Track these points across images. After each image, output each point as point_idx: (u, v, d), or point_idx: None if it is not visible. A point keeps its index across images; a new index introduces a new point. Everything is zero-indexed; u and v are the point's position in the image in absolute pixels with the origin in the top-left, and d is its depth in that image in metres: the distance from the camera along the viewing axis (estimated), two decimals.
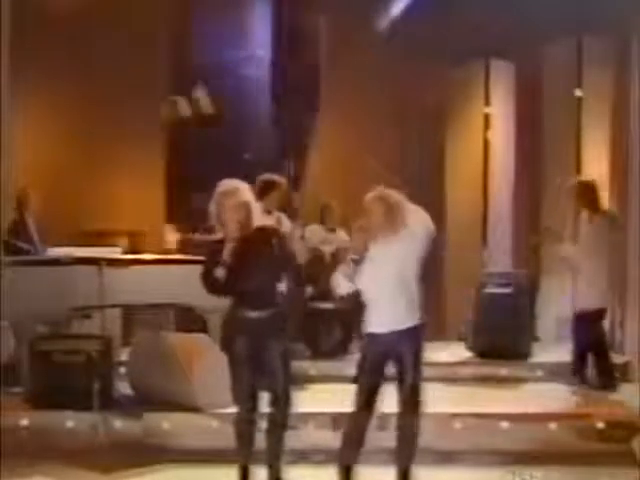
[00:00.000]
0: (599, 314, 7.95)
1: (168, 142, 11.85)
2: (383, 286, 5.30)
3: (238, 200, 5.32)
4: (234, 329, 5.41)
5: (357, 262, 5.36)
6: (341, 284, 5.53)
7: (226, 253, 5.27)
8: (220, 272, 5.26)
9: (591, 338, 7.89)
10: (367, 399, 5.36)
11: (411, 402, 5.31)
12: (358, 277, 5.37)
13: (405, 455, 5.35)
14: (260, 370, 5.35)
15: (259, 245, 5.35)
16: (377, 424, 5.99)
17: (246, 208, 5.35)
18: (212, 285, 5.34)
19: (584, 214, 8.01)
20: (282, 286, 5.51)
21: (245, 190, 5.39)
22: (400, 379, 5.31)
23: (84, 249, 7.64)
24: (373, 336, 5.39)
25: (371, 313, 5.39)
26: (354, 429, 5.40)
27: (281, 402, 5.36)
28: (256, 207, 5.44)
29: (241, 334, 5.35)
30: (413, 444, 5.34)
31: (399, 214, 5.30)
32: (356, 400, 5.37)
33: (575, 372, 8.03)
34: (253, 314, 5.34)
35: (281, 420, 5.40)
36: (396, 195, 5.36)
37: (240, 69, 12.58)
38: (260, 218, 5.54)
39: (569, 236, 8.13)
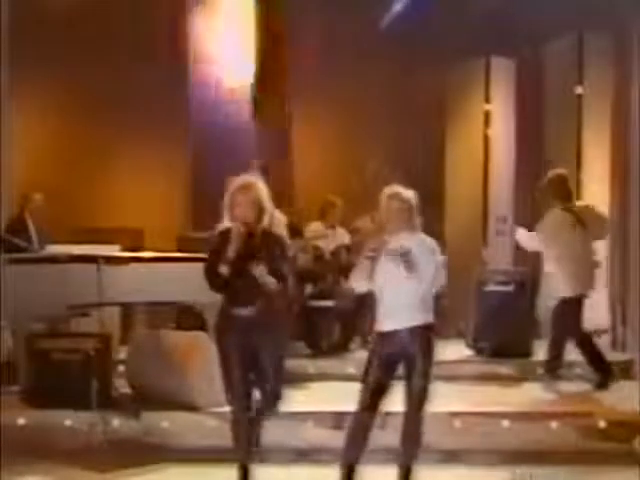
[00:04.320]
0: (576, 302, 8.01)
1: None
2: (394, 283, 5.25)
3: (253, 196, 5.29)
4: (225, 326, 5.38)
5: (373, 259, 5.29)
6: (358, 282, 5.44)
7: (231, 249, 5.23)
8: (224, 268, 5.22)
9: (563, 327, 8.00)
10: (373, 399, 5.32)
11: (418, 402, 5.27)
12: (373, 275, 5.30)
13: (408, 454, 5.33)
14: (251, 368, 5.32)
15: (261, 245, 5.31)
16: (377, 423, 5.98)
17: (259, 205, 5.32)
18: (215, 281, 5.30)
19: (556, 206, 8.06)
20: (273, 283, 5.41)
21: (260, 187, 5.34)
22: (408, 379, 5.28)
23: (82, 247, 7.62)
24: (383, 335, 5.34)
25: (381, 311, 5.35)
26: (358, 429, 5.36)
27: (269, 399, 5.35)
28: (269, 205, 5.41)
29: (232, 331, 5.33)
30: (417, 444, 5.33)
31: (412, 213, 5.32)
32: (361, 399, 5.33)
33: (547, 363, 8.09)
34: (244, 311, 5.31)
35: (266, 409, 5.41)
36: (410, 194, 5.36)
37: None
38: (272, 216, 5.50)
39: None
